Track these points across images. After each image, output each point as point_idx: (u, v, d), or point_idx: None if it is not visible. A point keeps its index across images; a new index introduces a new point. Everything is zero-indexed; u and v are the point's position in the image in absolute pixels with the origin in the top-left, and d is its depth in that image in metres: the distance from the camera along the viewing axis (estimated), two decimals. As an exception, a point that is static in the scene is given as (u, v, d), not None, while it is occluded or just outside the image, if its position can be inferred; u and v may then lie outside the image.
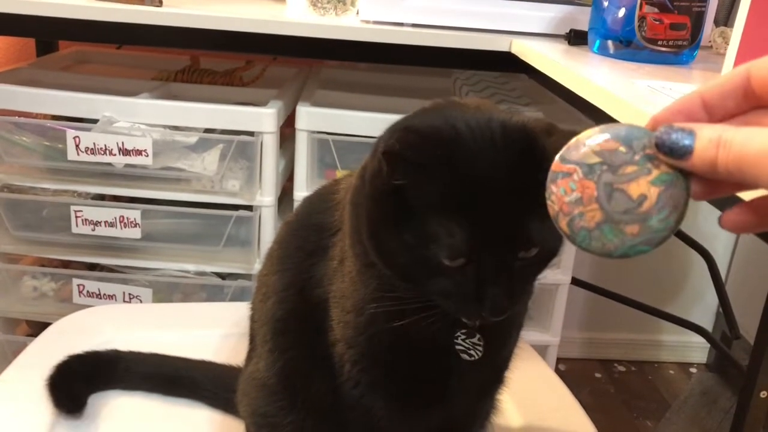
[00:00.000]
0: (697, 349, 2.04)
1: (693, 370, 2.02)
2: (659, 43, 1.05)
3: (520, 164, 0.49)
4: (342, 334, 0.61)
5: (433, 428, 0.65)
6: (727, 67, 0.83)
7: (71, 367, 0.84)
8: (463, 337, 0.58)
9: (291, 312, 0.66)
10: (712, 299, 1.93)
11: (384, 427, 0.63)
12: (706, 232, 1.82)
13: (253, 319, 0.73)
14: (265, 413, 0.67)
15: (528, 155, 0.49)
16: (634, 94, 0.80)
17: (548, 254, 0.52)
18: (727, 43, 1.10)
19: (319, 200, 0.67)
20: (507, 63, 1.21)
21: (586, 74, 0.92)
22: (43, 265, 1.43)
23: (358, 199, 0.56)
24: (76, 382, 0.84)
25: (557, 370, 0.99)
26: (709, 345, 1.99)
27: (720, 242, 1.92)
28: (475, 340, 0.58)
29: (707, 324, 1.97)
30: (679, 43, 1.05)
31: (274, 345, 0.67)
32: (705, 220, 1.85)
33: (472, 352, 0.58)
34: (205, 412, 0.84)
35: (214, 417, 0.83)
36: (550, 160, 0.41)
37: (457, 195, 0.49)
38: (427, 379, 0.62)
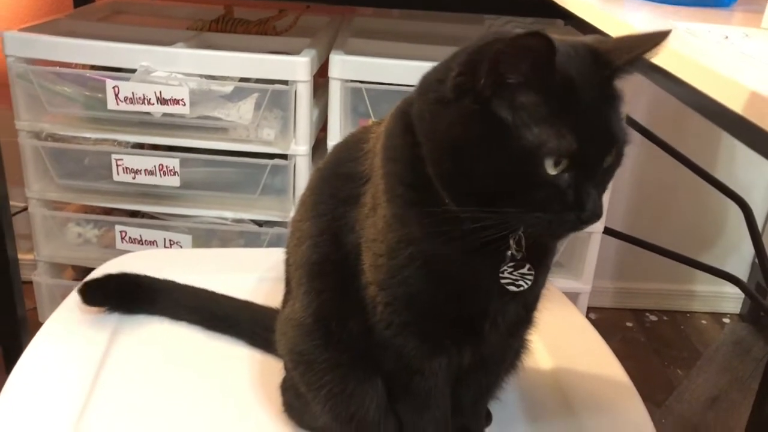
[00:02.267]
0: (730, 300, 2.03)
1: (726, 320, 2.02)
2: (699, -15, 1.02)
3: (595, 70, 0.54)
4: (374, 277, 0.63)
5: (465, 366, 0.68)
6: (769, 10, 0.81)
7: (130, 281, 0.92)
8: (510, 270, 0.60)
9: (325, 256, 0.68)
10: (747, 249, 1.91)
11: (416, 365, 0.65)
12: (743, 181, 1.79)
13: (288, 263, 0.76)
14: (301, 351, 0.70)
15: (598, 60, 0.54)
16: (672, 38, 0.78)
17: (620, 157, 0.56)
18: (770, -14, 1.07)
19: (349, 149, 0.69)
20: (543, 8, 1.19)
21: (624, 18, 0.90)
22: (86, 213, 1.47)
23: (426, 132, 0.57)
24: (121, 293, 0.92)
25: (589, 319, 1.00)
26: (742, 295, 1.98)
27: (757, 191, 1.88)
28: (524, 270, 0.60)
29: (742, 274, 1.96)
30: (720, -15, 1.03)
31: (310, 287, 0.69)
32: (742, 169, 1.82)
33: (520, 282, 0.60)
34: (245, 349, 0.88)
35: (253, 354, 0.87)
36: (611, 62, 0.52)
37: (559, 99, 0.52)
38: (459, 319, 0.64)
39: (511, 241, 0.59)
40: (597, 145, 0.54)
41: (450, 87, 0.54)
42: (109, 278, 0.93)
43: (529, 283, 0.61)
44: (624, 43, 0.57)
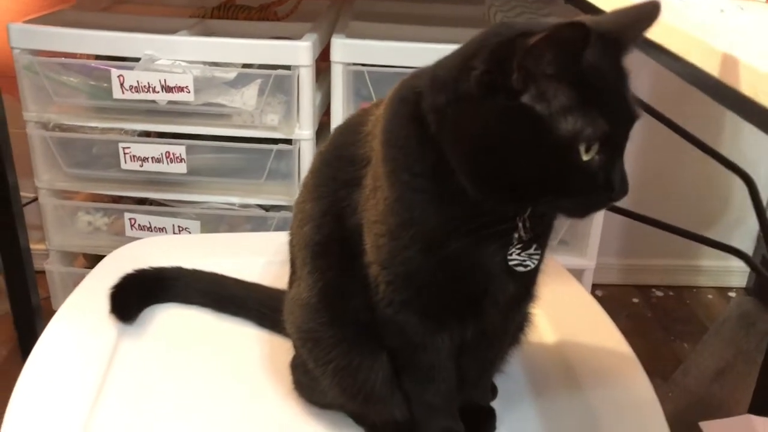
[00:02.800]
0: (736, 274, 2.03)
1: (732, 294, 2.03)
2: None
3: (607, 50, 0.55)
4: (375, 257, 0.65)
5: (467, 340, 0.69)
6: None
7: (136, 279, 0.92)
8: (518, 251, 0.61)
9: (328, 236, 0.69)
10: (752, 224, 1.91)
11: (418, 341, 0.67)
12: (748, 156, 1.79)
13: (292, 245, 0.77)
14: (308, 329, 0.72)
15: (607, 40, 0.55)
16: (667, 11, 0.78)
17: (630, 129, 0.58)
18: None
19: (349, 132, 0.70)
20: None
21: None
22: (95, 201, 1.49)
23: (448, 128, 0.57)
24: (139, 294, 0.92)
25: (595, 296, 1.01)
26: (748, 270, 1.99)
27: (762, 166, 1.88)
28: (531, 250, 0.62)
29: (747, 248, 1.96)
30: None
31: (313, 267, 0.71)
32: (747, 143, 1.82)
33: (528, 262, 0.62)
34: (254, 330, 0.90)
35: (262, 334, 0.89)
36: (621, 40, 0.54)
37: (587, 85, 0.53)
38: (460, 297, 0.65)
39: (519, 224, 0.60)
40: (622, 124, 0.55)
41: (475, 84, 0.54)
42: (127, 282, 0.92)
43: (536, 262, 0.63)
44: (622, 19, 0.58)
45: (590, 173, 0.54)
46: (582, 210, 0.58)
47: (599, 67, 0.54)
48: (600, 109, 0.53)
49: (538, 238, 0.62)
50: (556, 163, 0.54)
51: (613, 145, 0.55)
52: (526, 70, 0.52)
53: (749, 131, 1.80)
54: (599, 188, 0.55)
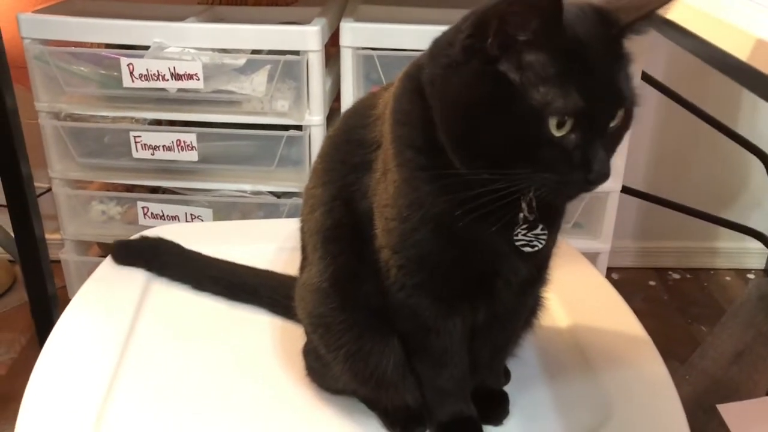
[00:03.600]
0: (754, 255, 2.01)
1: (750, 276, 2.01)
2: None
3: (603, 29, 0.54)
4: (386, 241, 0.64)
5: (480, 324, 0.69)
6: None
7: (154, 245, 0.97)
8: (524, 232, 0.61)
9: (338, 221, 0.69)
10: (771, 204, 1.89)
11: (430, 324, 0.66)
12: (765, 136, 1.76)
13: (302, 230, 0.77)
14: (320, 314, 0.72)
15: (605, 19, 0.54)
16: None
17: (629, 119, 0.56)
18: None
19: (359, 115, 0.69)
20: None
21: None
22: (108, 191, 1.50)
23: (437, 95, 0.57)
24: (146, 255, 0.97)
25: (610, 279, 1.00)
26: (767, 251, 1.96)
27: (781, 145, 1.85)
28: (538, 231, 0.61)
29: (766, 229, 1.93)
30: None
31: (325, 252, 0.70)
32: (764, 123, 1.79)
33: (535, 243, 0.61)
34: (267, 316, 0.90)
35: (274, 321, 0.89)
36: (619, 20, 0.52)
37: (566, 59, 0.52)
38: (472, 280, 0.65)
39: (523, 204, 0.59)
40: (604, 105, 0.54)
41: (459, 49, 0.54)
42: (139, 241, 0.98)
43: (543, 242, 0.62)
44: (635, 1, 0.56)
45: (564, 150, 0.53)
46: (557, 190, 0.55)
47: (587, 42, 0.53)
48: (575, 85, 0.52)
49: (547, 219, 0.61)
50: (527, 133, 0.53)
51: (593, 125, 0.53)
52: (502, 35, 0.52)
53: (767, 110, 1.77)
54: (575, 168, 0.54)
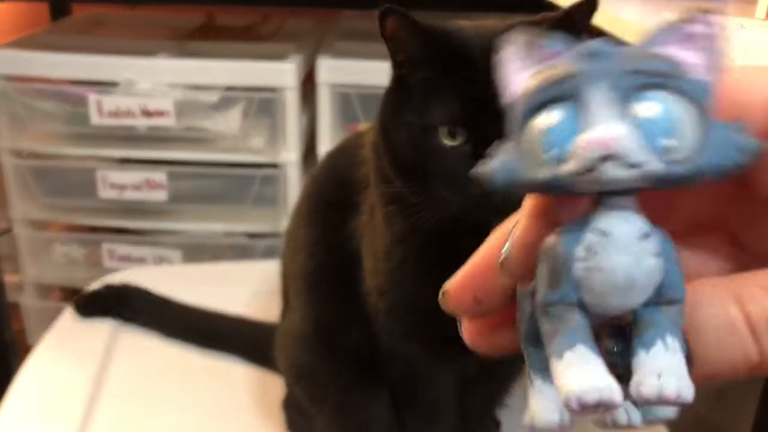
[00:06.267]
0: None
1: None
2: (691, -25, 1.00)
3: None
4: (374, 283, 0.61)
5: (470, 373, 0.66)
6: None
7: (120, 293, 0.92)
8: None
9: (322, 265, 0.65)
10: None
11: (421, 374, 0.63)
12: None
13: (284, 274, 0.73)
14: (302, 364, 0.68)
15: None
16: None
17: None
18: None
19: (344, 155, 0.66)
20: (530, 4, 1.17)
21: (613, 10, 0.89)
22: (72, 231, 1.44)
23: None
24: (111, 305, 0.91)
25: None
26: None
27: None
28: None
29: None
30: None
31: (308, 298, 0.67)
32: None
33: None
34: (242, 367, 0.85)
35: (250, 371, 0.84)
36: None
37: (454, 74, 0.52)
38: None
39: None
40: (492, 116, 0.50)
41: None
42: (103, 290, 0.93)
43: None
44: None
45: (457, 163, 0.51)
46: (458, 203, 0.52)
47: (475, 59, 0.51)
48: (460, 97, 0.51)
49: None
50: (423, 145, 0.53)
51: (483, 137, 0.51)
52: (392, 55, 0.55)
53: None
54: (467, 181, 0.51)
